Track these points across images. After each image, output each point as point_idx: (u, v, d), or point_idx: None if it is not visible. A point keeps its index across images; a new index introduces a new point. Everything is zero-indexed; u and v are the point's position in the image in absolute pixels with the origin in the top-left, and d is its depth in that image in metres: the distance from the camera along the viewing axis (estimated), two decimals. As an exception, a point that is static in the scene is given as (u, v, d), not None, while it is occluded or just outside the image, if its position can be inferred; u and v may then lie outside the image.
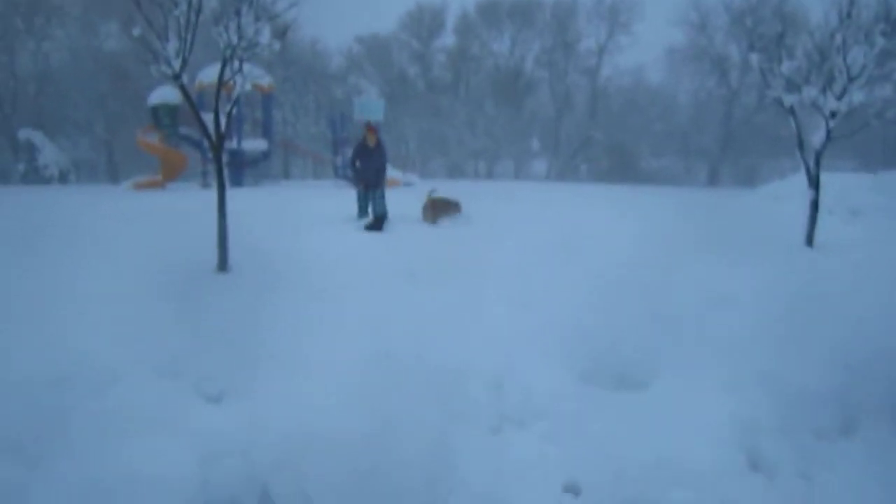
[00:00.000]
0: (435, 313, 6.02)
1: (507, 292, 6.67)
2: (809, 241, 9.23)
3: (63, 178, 36.85)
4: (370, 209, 11.01)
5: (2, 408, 4.25)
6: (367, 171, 11.09)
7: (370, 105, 25.12)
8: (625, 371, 4.97)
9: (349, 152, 27.26)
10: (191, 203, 13.62)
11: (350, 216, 10.61)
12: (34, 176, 35.73)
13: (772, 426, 4.10)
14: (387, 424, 4.38)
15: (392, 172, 25.87)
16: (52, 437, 4.07)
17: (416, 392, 4.63)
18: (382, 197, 11.00)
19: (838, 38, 8.73)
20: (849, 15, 8.75)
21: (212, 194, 7.65)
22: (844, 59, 8.69)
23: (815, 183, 9.33)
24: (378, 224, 10.15)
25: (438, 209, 11.19)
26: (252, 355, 5.01)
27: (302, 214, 10.27)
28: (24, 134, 36.54)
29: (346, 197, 10.57)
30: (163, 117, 23.27)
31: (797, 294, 6.47)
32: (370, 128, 11.36)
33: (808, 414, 4.16)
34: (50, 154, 37.05)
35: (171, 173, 24.47)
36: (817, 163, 9.32)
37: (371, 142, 11.12)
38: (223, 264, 7.29)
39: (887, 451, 4.09)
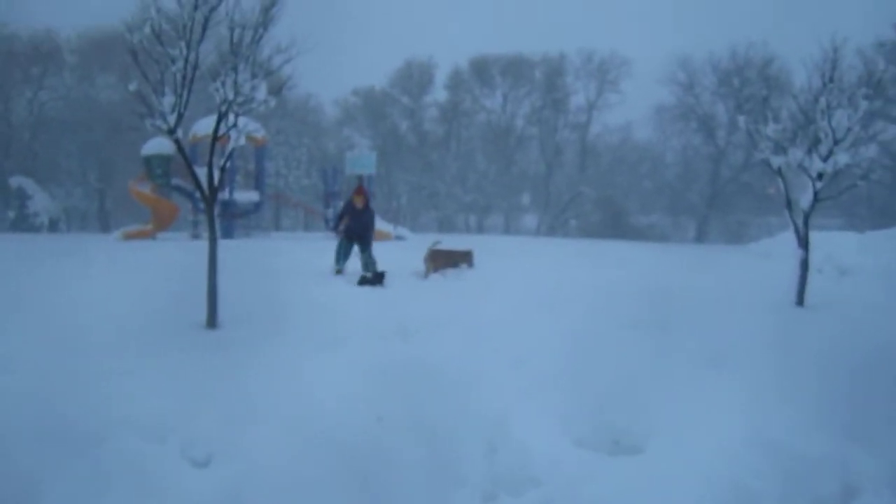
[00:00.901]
0: (428, 371, 5.95)
1: (501, 349, 6.61)
2: (800, 300, 9.27)
3: (53, 226, 36.77)
4: (361, 265, 11.08)
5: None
6: (355, 228, 11.26)
7: (362, 159, 25.38)
8: (619, 435, 4.89)
9: (340, 206, 27.50)
10: (181, 255, 13.58)
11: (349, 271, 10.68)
12: (24, 223, 35.64)
13: (772, 495, 4.02)
14: (379, 488, 4.28)
15: (383, 226, 26.12)
16: (37, 498, 3.94)
17: (409, 457, 4.53)
18: (370, 253, 11.22)
19: (822, 102, 8.91)
20: (831, 79, 8.94)
21: (202, 245, 7.62)
22: (829, 122, 8.85)
23: (804, 243, 9.41)
24: (379, 278, 10.17)
25: (439, 261, 11.36)
26: (240, 416, 4.90)
27: (293, 267, 10.25)
28: (15, 181, 36.59)
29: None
30: (156, 167, 23.35)
31: (791, 355, 6.45)
32: (359, 191, 11.58)
33: (807, 481, 4.08)
34: (41, 201, 37.06)
35: (161, 223, 24.47)
36: (806, 223, 9.43)
37: (359, 203, 11.30)
38: (212, 320, 7.21)
39: (888, 521, 4.02)
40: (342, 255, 11.27)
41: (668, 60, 47.10)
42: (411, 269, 11.15)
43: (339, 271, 11.15)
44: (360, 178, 24.95)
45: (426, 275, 11.10)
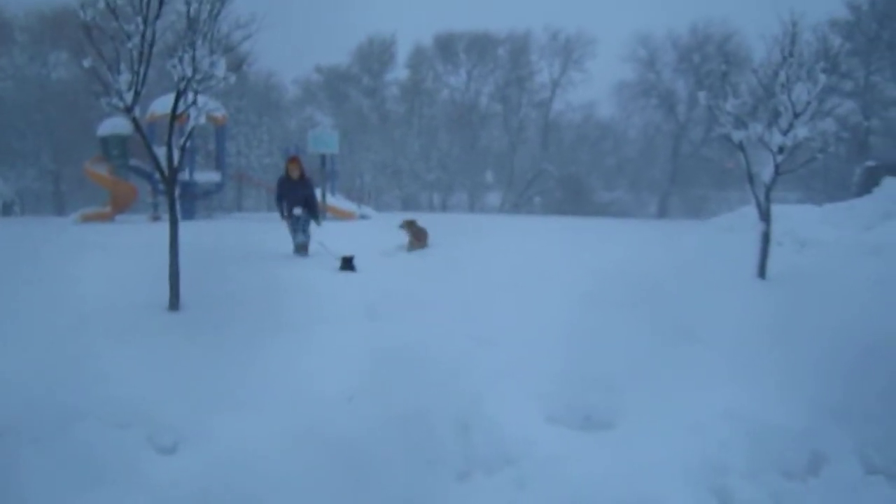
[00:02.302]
0: (398, 351, 5.90)
1: (470, 328, 6.59)
2: (762, 272, 9.39)
3: (7, 210, 35.76)
4: (296, 238, 10.64)
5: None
6: (294, 203, 10.60)
7: (324, 137, 25.02)
8: (591, 411, 4.92)
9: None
10: (141, 237, 13.28)
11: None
12: (-26, 207, 34.60)
13: (741, 467, 4.07)
14: (350, 470, 4.24)
15: (347, 204, 25.90)
16: (-2, 491, 3.83)
17: (381, 436, 4.49)
18: (307, 227, 10.63)
19: (782, 76, 8.99)
20: (791, 53, 9.02)
21: (162, 227, 7.44)
22: (789, 95, 8.94)
23: (765, 216, 9.52)
24: (348, 263, 9.50)
25: (423, 239, 11.46)
26: (206, 400, 4.81)
27: (255, 248, 10.08)
28: (-36, 164, 35.40)
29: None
30: (112, 148, 22.78)
31: (755, 328, 6.53)
32: (292, 159, 10.82)
33: (775, 453, 4.15)
34: (-8, 185, 35.96)
35: (120, 205, 23.90)
36: (767, 197, 9.54)
37: (294, 174, 10.59)
38: (175, 302, 7.07)
39: (856, 489, 4.10)
40: (297, 230, 10.61)
41: (630, 38, 47.38)
42: (377, 248, 11.01)
43: (301, 247, 10.56)
44: (322, 156, 24.65)
45: (409, 249, 11.28)
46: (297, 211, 10.57)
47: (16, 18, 41.76)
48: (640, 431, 4.49)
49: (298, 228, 10.62)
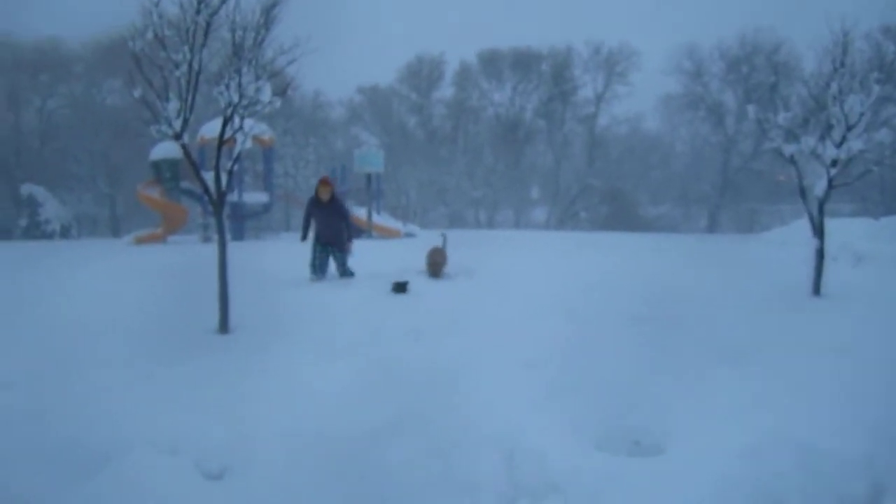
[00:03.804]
0: (442, 374, 5.88)
1: (514, 350, 6.51)
2: (817, 289, 9.12)
3: (65, 233, 36.98)
4: (336, 271, 10.29)
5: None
6: (323, 228, 10.13)
7: (370, 156, 25.29)
8: (639, 436, 4.80)
9: (350, 204, 27.41)
10: (191, 258, 13.57)
11: (358, 272, 10.36)
12: (36, 230, 35.87)
13: (796, 496, 3.90)
14: (393, 500, 4.20)
15: (392, 223, 26.08)
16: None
17: (423, 464, 4.45)
18: (344, 261, 10.25)
19: (834, 87, 8.77)
20: (842, 64, 8.79)
21: (212, 249, 7.58)
22: (841, 107, 8.71)
23: (819, 231, 9.27)
24: (402, 288, 9.21)
25: (435, 266, 10.54)
26: (254, 426, 4.85)
27: (304, 270, 10.15)
28: (26, 189, 36.81)
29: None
30: (165, 172, 23.48)
31: (810, 347, 6.32)
32: (323, 181, 10.28)
33: (832, 482, 3.97)
34: (52, 209, 37.25)
35: (171, 227, 24.56)
36: (821, 211, 9.28)
37: (324, 196, 10.04)
38: (224, 325, 7.18)
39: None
40: (317, 263, 10.14)
41: (675, 49, 46.88)
42: (420, 268, 10.99)
43: (315, 281, 10.05)
44: (368, 175, 24.90)
45: (436, 276, 10.49)
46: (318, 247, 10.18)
47: (72, 49, 43.33)
48: (691, 457, 4.35)
49: (326, 261, 10.23)
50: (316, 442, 4.67)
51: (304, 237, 10.50)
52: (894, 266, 11.72)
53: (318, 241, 10.21)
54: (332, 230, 10.10)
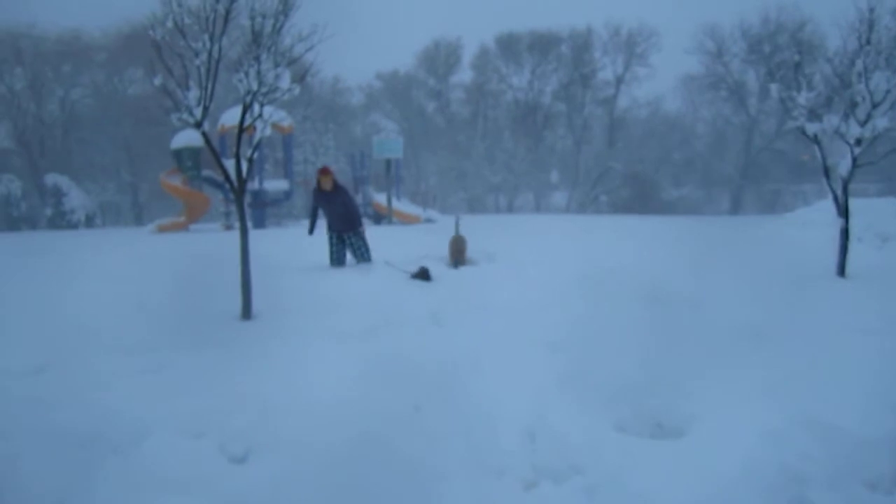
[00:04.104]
0: (463, 358, 5.91)
1: (536, 332, 6.53)
2: (842, 270, 9.02)
3: (89, 222, 37.40)
4: (353, 257, 10.23)
5: (31, 464, 4.18)
6: (334, 217, 10.12)
7: (389, 143, 25.25)
8: (661, 418, 4.80)
9: (370, 190, 27.43)
10: (214, 246, 13.69)
11: (376, 257, 10.33)
12: (61, 220, 36.33)
13: (821, 477, 3.89)
14: (416, 480, 4.24)
15: (411, 208, 26.10)
16: (79, 497, 3.98)
17: (446, 446, 4.49)
18: (362, 244, 10.21)
19: (859, 64, 8.63)
20: (868, 41, 8.64)
21: (234, 236, 7.64)
22: (867, 85, 8.57)
23: (843, 211, 9.15)
24: (425, 275, 9.19)
25: (457, 253, 10.48)
26: (279, 409, 4.91)
27: (324, 256, 10.19)
28: (50, 179, 37.26)
29: (370, 236, 10.40)
30: (186, 160, 23.63)
31: (834, 329, 6.27)
32: (323, 170, 10.22)
33: (859, 463, 3.95)
34: (76, 198, 37.67)
35: (194, 215, 24.78)
36: (845, 191, 9.16)
37: (326, 185, 10.02)
38: (247, 311, 7.26)
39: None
40: (334, 256, 10.17)
41: (696, 29, 46.25)
42: (441, 254, 10.96)
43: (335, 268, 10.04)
44: (387, 161, 24.92)
45: (457, 265, 10.34)
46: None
47: (94, 39, 43.65)
48: (714, 439, 4.35)
49: (343, 251, 10.22)
50: (339, 424, 4.72)
51: (312, 231, 10.52)
52: (921, 246, 11.55)
53: (331, 229, 10.22)
54: (342, 218, 10.09)
